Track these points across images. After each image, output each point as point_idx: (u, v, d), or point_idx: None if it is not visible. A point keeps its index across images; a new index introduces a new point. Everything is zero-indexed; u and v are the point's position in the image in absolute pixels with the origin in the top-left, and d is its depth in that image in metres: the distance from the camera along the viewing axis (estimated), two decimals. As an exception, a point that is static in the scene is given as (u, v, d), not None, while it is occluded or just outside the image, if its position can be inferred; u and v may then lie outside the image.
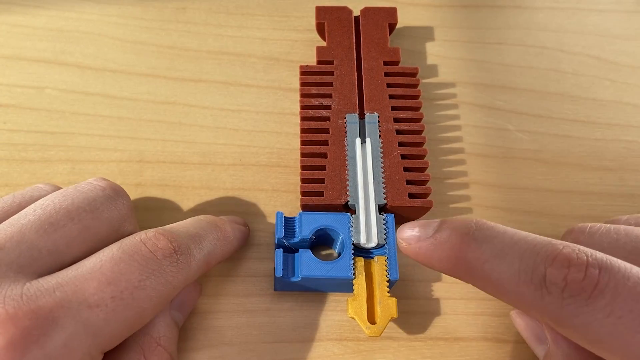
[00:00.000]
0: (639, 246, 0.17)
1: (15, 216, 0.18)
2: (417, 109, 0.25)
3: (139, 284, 0.17)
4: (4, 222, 0.17)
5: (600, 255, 0.15)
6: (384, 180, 0.23)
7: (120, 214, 0.19)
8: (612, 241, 0.17)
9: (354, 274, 0.21)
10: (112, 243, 0.18)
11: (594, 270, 0.15)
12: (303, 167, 0.23)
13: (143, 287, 0.17)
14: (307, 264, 0.21)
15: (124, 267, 0.17)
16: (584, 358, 0.17)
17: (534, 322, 0.20)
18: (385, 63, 0.26)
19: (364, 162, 0.23)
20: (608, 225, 0.18)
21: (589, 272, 0.15)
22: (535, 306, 0.15)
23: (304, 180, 0.23)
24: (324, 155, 0.23)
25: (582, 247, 0.15)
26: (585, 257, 0.15)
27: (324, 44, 0.27)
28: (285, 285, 0.21)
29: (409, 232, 0.19)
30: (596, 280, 0.15)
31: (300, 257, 0.21)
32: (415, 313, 0.22)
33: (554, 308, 0.15)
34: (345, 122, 0.24)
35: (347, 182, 0.23)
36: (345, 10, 0.27)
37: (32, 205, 0.18)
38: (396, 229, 0.22)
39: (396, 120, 0.24)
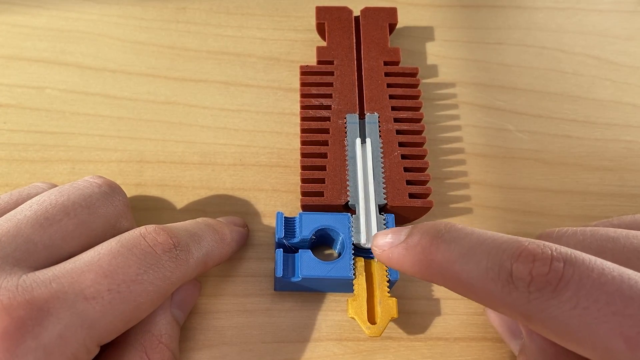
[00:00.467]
0: (603, 244, 0.17)
1: (12, 212, 0.18)
2: (417, 109, 0.25)
3: (137, 277, 0.17)
4: (0, 218, 0.17)
5: (564, 249, 0.15)
6: (384, 180, 0.23)
7: (116, 210, 0.19)
8: (578, 242, 0.18)
9: (354, 274, 0.21)
10: (108, 239, 0.18)
11: (558, 264, 0.15)
12: (303, 167, 0.23)
13: (140, 281, 0.17)
14: (307, 264, 0.21)
15: (121, 260, 0.17)
16: (558, 351, 0.17)
17: (507, 317, 0.20)
18: (386, 63, 0.26)
19: (364, 162, 0.23)
20: (575, 228, 0.18)
21: (554, 266, 0.15)
22: (504, 303, 0.16)
23: (304, 181, 0.23)
24: (324, 156, 0.23)
25: (547, 243, 0.16)
26: (550, 252, 0.15)
27: (324, 44, 0.27)
28: (285, 285, 0.21)
29: (381, 239, 0.19)
30: (561, 273, 0.15)
31: (301, 257, 0.21)
32: (415, 313, 0.22)
33: (522, 303, 0.15)
34: (345, 122, 0.24)
35: (347, 182, 0.23)
36: (345, 10, 0.27)
37: (29, 201, 0.18)
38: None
39: (396, 120, 0.24)
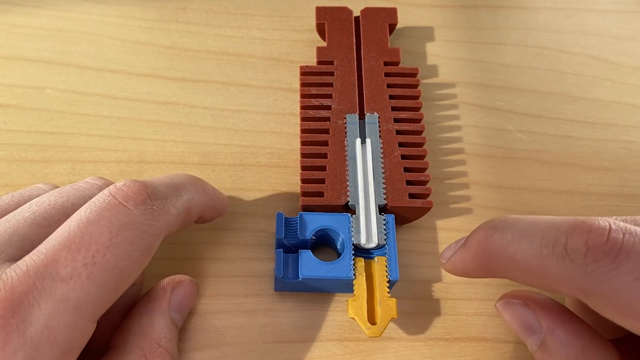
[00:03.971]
0: None
1: (12, 213, 0.18)
2: (417, 109, 0.25)
3: (110, 242, 0.16)
4: (0, 219, 0.17)
5: (622, 223, 0.15)
6: (384, 180, 0.23)
7: None
8: (632, 221, 0.17)
9: (354, 275, 0.21)
10: None
11: (617, 235, 0.14)
12: (303, 168, 0.23)
13: (116, 245, 0.16)
14: (308, 265, 0.21)
15: (92, 228, 0.16)
16: (586, 345, 0.16)
17: (523, 310, 0.19)
18: (386, 63, 0.26)
19: (364, 163, 0.23)
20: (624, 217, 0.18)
21: (612, 236, 0.14)
22: (561, 279, 0.15)
23: (304, 181, 0.23)
24: (324, 156, 0.23)
25: (606, 217, 0.15)
26: (608, 224, 0.15)
27: (324, 44, 0.27)
28: (285, 285, 0.21)
29: (446, 251, 0.19)
30: (620, 242, 0.14)
31: (301, 257, 0.21)
32: (415, 313, 0.22)
33: (579, 276, 0.15)
34: (345, 123, 0.24)
35: (347, 183, 0.23)
36: (345, 11, 0.27)
37: (29, 202, 0.18)
38: (396, 230, 0.23)
39: (396, 120, 0.24)
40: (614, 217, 0.17)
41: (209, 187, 0.21)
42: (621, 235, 0.14)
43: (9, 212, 0.18)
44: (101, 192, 0.17)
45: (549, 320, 0.18)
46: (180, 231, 0.20)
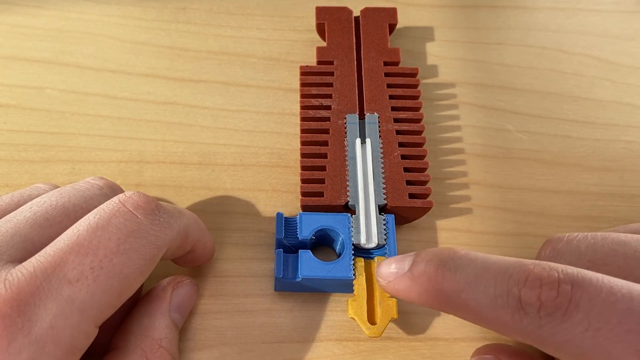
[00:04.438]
0: (614, 247, 0.17)
1: (12, 213, 0.18)
2: (417, 109, 0.25)
3: (118, 248, 0.16)
4: (0, 219, 0.17)
5: (570, 269, 0.15)
6: (384, 180, 0.23)
7: None
8: (589, 245, 0.18)
9: (354, 275, 0.21)
10: None
11: (566, 287, 0.15)
12: (303, 168, 0.23)
13: (123, 252, 0.16)
14: (308, 265, 0.21)
15: (101, 234, 0.16)
16: None
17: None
18: (386, 63, 0.26)
19: (364, 163, 0.23)
20: (585, 233, 0.18)
21: (562, 289, 0.15)
22: (516, 329, 0.16)
23: (304, 181, 0.23)
24: (324, 156, 0.23)
25: (552, 264, 0.16)
26: (556, 274, 0.15)
27: (324, 44, 0.27)
28: (285, 285, 0.21)
29: (386, 269, 0.19)
30: (569, 295, 0.15)
31: (301, 257, 0.21)
32: (415, 313, 0.22)
33: (534, 329, 0.15)
34: (345, 123, 0.24)
35: (347, 183, 0.23)
36: (345, 11, 0.27)
37: (29, 202, 0.18)
38: (396, 230, 0.23)
39: (396, 120, 0.24)
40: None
41: (204, 225, 0.21)
42: (569, 287, 0.15)
43: (9, 212, 0.18)
44: (110, 200, 0.18)
45: None
46: (173, 257, 0.20)
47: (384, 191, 0.23)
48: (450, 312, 0.17)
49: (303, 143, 0.24)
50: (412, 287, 0.18)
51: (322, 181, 0.23)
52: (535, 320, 0.15)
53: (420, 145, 0.24)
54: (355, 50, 0.26)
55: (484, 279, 0.16)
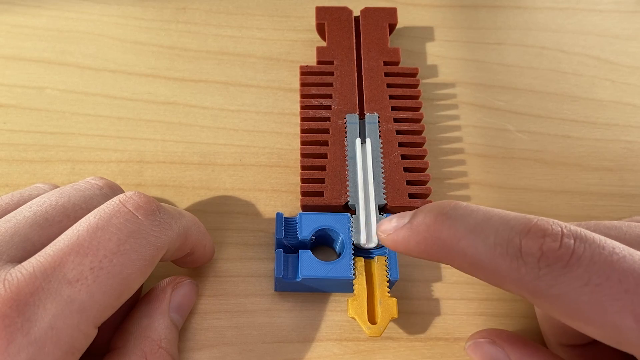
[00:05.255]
0: (606, 231, 0.17)
1: (12, 213, 0.18)
2: (417, 109, 0.25)
3: (118, 249, 0.16)
4: (0, 219, 0.17)
5: (574, 227, 0.15)
6: (384, 180, 0.23)
7: None
8: (581, 227, 0.17)
9: (354, 274, 0.21)
10: None
11: (569, 240, 0.15)
12: (303, 168, 0.23)
13: (123, 252, 0.16)
14: (308, 265, 0.21)
15: (101, 234, 0.16)
16: None
17: (491, 348, 0.19)
18: (385, 63, 0.26)
19: (364, 163, 0.23)
20: (577, 222, 0.18)
21: (565, 242, 0.15)
22: (512, 279, 0.15)
23: (304, 181, 0.23)
24: (324, 156, 0.23)
25: (556, 220, 0.15)
26: (560, 228, 0.15)
27: (324, 44, 0.27)
28: (285, 285, 0.21)
29: (386, 224, 0.19)
30: (572, 248, 0.15)
31: (301, 257, 0.21)
32: (415, 313, 0.22)
33: (531, 279, 0.15)
34: (345, 123, 0.24)
35: (347, 183, 0.23)
36: (345, 11, 0.27)
37: (29, 202, 0.18)
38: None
39: (396, 120, 0.24)
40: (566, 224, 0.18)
41: (203, 227, 0.21)
42: (572, 241, 0.15)
43: (9, 212, 0.18)
44: (111, 200, 0.18)
45: (517, 354, 0.18)
46: (172, 259, 0.20)
47: (384, 191, 0.23)
48: (447, 262, 0.17)
49: (303, 143, 0.24)
50: (410, 236, 0.17)
51: (322, 181, 0.23)
52: (533, 270, 0.15)
53: (420, 145, 0.24)
54: (355, 50, 0.26)
55: (485, 228, 0.16)
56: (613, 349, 0.15)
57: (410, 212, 0.18)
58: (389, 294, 0.20)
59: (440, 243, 0.17)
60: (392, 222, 0.18)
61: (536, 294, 0.15)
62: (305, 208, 0.23)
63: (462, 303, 0.22)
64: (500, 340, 0.19)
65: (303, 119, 0.24)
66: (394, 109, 0.25)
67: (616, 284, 0.14)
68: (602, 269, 0.14)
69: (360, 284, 0.21)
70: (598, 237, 0.15)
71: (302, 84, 0.25)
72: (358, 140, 0.24)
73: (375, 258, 0.21)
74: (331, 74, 0.26)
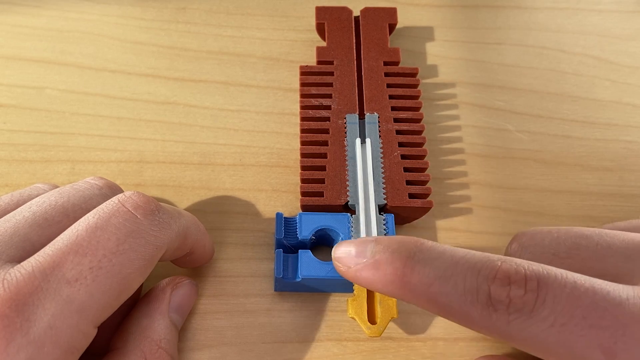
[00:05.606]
0: (577, 241, 0.18)
1: (11, 213, 0.18)
2: (417, 109, 0.25)
3: (117, 248, 0.16)
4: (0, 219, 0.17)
5: (535, 266, 0.16)
6: (384, 180, 0.23)
7: None
8: (553, 239, 0.18)
9: (354, 274, 0.21)
10: None
11: (532, 283, 0.15)
12: (303, 168, 0.23)
13: (122, 252, 0.16)
14: (307, 265, 0.21)
15: (100, 234, 0.16)
16: None
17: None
18: (385, 63, 0.26)
19: (364, 163, 0.23)
20: (550, 227, 0.19)
21: (529, 286, 0.15)
22: (484, 325, 0.16)
23: (303, 181, 0.23)
24: (324, 156, 0.23)
25: (517, 260, 0.16)
26: (523, 271, 0.16)
27: (324, 44, 0.27)
28: (285, 285, 0.21)
29: (345, 253, 0.18)
30: (536, 292, 0.15)
31: (301, 257, 0.21)
32: (415, 313, 0.22)
33: (502, 325, 0.16)
34: (345, 123, 0.24)
35: (347, 183, 0.23)
36: (345, 11, 0.27)
37: (29, 202, 0.18)
38: (396, 230, 0.23)
39: (396, 120, 0.24)
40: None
41: (203, 227, 0.21)
42: (536, 284, 0.15)
43: (9, 212, 0.18)
44: (110, 200, 0.18)
45: None
46: (172, 259, 0.20)
47: (384, 191, 0.23)
48: (416, 304, 0.17)
49: (303, 143, 0.24)
50: (376, 277, 0.17)
51: (322, 181, 0.23)
52: (504, 316, 0.15)
53: (420, 145, 0.24)
54: (355, 50, 0.26)
55: (454, 273, 0.16)
56: None
57: (370, 244, 0.18)
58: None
59: (411, 288, 0.17)
60: (351, 252, 0.18)
61: (509, 337, 0.16)
62: (305, 208, 0.23)
63: (462, 303, 0.22)
64: None
65: (303, 119, 0.24)
66: (394, 109, 0.25)
67: (581, 321, 0.15)
68: (565, 307, 0.15)
69: (360, 284, 0.21)
70: (560, 274, 0.16)
71: (302, 84, 0.25)
72: (358, 140, 0.24)
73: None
74: (331, 74, 0.26)
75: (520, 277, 0.16)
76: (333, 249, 0.19)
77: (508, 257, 0.16)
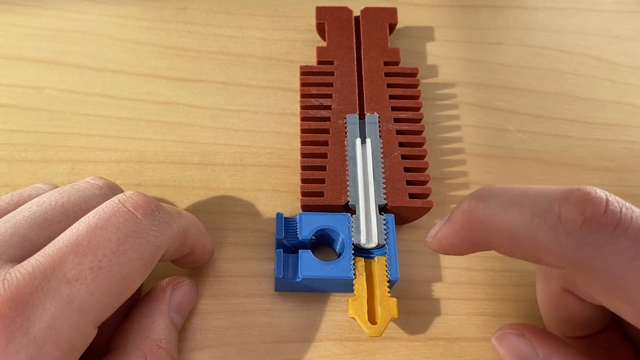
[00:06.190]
0: None
1: (11, 213, 0.18)
2: (417, 109, 0.25)
3: (118, 248, 0.16)
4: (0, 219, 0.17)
5: (619, 198, 0.14)
6: (384, 180, 0.23)
7: None
8: None
9: (354, 274, 0.21)
10: None
11: (615, 207, 0.13)
12: (303, 168, 0.23)
13: (122, 252, 0.16)
14: (308, 265, 0.21)
15: (100, 234, 0.16)
16: None
17: (519, 340, 0.19)
18: (386, 63, 0.26)
19: (364, 163, 0.23)
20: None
21: (610, 208, 0.13)
22: (552, 250, 0.14)
23: (304, 181, 0.23)
24: (324, 156, 0.23)
25: (599, 188, 0.14)
26: (605, 195, 0.14)
27: (324, 44, 0.27)
28: (285, 285, 0.21)
29: (432, 230, 0.19)
30: (618, 216, 0.13)
31: (301, 257, 0.21)
32: (415, 313, 0.22)
33: (572, 249, 0.14)
34: (345, 123, 0.24)
35: (347, 183, 0.23)
36: (346, 11, 0.27)
37: (29, 202, 0.18)
38: (396, 230, 0.23)
39: (396, 120, 0.24)
40: None
41: (203, 227, 0.21)
42: (619, 208, 0.13)
43: (9, 212, 0.18)
44: (110, 199, 0.17)
45: (545, 349, 0.17)
46: (172, 259, 0.20)
47: (384, 191, 0.23)
48: (487, 245, 0.16)
49: (303, 143, 0.24)
50: (451, 229, 0.17)
51: (322, 181, 0.23)
52: (575, 238, 0.13)
53: (420, 145, 0.24)
54: (355, 50, 0.26)
55: (521, 201, 0.15)
56: (618, 339, 0.14)
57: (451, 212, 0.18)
58: (389, 294, 0.20)
59: (477, 224, 0.16)
60: (436, 226, 0.18)
61: (578, 265, 0.14)
62: (305, 208, 0.23)
63: (462, 303, 0.22)
64: (529, 334, 0.18)
65: (303, 119, 0.24)
66: (394, 109, 0.25)
67: None
68: None
69: (360, 284, 0.21)
70: None
71: (302, 84, 0.25)
72: (358, 140, 0.24)
73: (375, 258, 0.21)
74: (331, 74, 0.26)
75: (600, 197, 0.13)
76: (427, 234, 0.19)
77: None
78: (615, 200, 0.14)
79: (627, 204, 0.14)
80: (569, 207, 0.14)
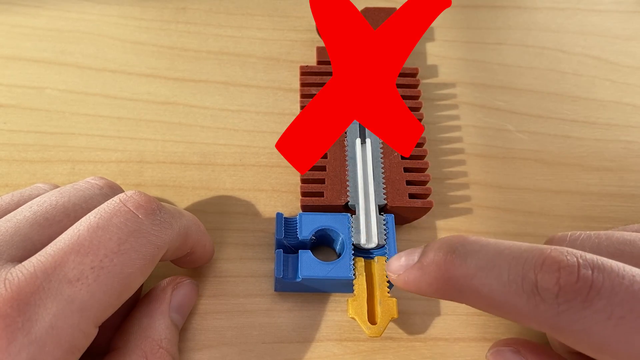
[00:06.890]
0: (620, 247, 0.17)
1: (12, 213, 0.18)
2: (417, 109, 0.25)
3: (118, 248, 0.16)
4: (0, 219, 0.17)
5: (589, 255, 0.15)
6: (384, 180, 0.23)
7: None
8: (594, 245, 0.17)
9: (354, 275, 0.21)
10: None
11: (586, 271, 0.14)
12: (303, 168, 0.23)
13: (124, 252, 0.16)
14: (308, 265, 0.21)
15: (101, 233, 0.16)
16: None
17: (515, 357, 0.19)
18: (385, 63, 0.26)
19: (364, 163, 0.23)
20: (589, 232, 0.18)
21: (582, 274, 0.14)
22: (531, 316, 0.15)
23: (304, 181, 0.23)
24: (324, 156, 0.23)
25: (569, 249, 0.15)
26: (576, 259, 0.14)
27: (324, 44, 0.27)
28: (285, 285, 0.21)
29: (395, 263, 0.18)
30: (590, 280, 0.14)
31: (301, 257, 0.21)
32: (415, 313, 0.22)
33: (550, 316, 0.14)
34: (345, 123, 0.24)
35: (347, 183, 0.23)
36: (345, 11, 0.27)
37: (29, 202, 0.18)
38: (396, 230, 0.23)
39: (396, 120, 0.24)
40: (581, 233, 0.17)
41: (203, 227, 0.21)
42: (590, 272, 0.14)
43: (9, 211, 0.18)
44: (111, 199, 0.18)
45: None
46: (172, 258, 0.20)
47: (384, 191, 0.23)
48: (461, 301, 0.17)
49: (303, 143, 0.24)
50: (421, 277, 0.17)
51: (322, 181, 0.23)
52: (552, 306, 0.14)
53: (420, 145, 0.24)
54: (355, 50, 0.26)
55: (497, 264, 0.15)
56: None
57: (419, 250, 0.18)
58: (389, 294, 0.20)
59: (453, 283, 0.16)
60: (400, 261, 0.18)
61: (559, 330, 0.14)
62: (305, 208, 0.23)
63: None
64: (524, 349, 0.19)
65: (303, 119, 0.24)
66: (394, 109, 0.25)
67: None
68: (624, 300, 0.14)
69: (360, 284, 0.21)
70: (616, 265, 0.14)
71: (302, 84, 0.25)
72: (358, 141, 0.24)
73: (375, 258, 0.21)
74: (331, 74, 0.26)
75: (572, 264, 0.14)
76: (386, 263, 0.19)
77: (559, 247, 0.15)
78: (587, 263, 0.14)
79: (600, 264, 0.14)
80: (544, 275, 0.14)
